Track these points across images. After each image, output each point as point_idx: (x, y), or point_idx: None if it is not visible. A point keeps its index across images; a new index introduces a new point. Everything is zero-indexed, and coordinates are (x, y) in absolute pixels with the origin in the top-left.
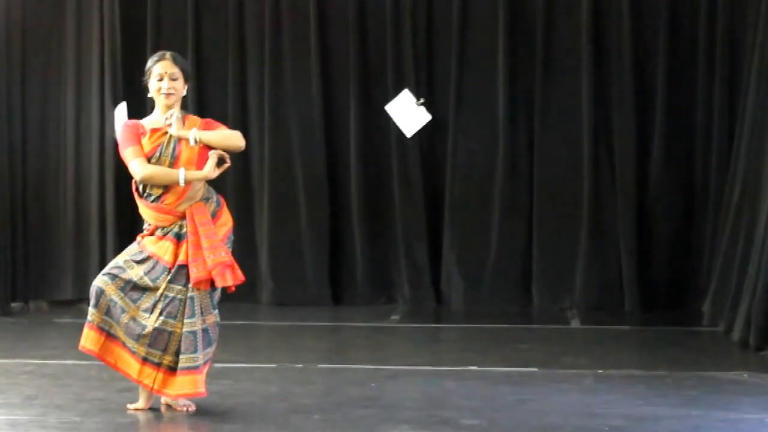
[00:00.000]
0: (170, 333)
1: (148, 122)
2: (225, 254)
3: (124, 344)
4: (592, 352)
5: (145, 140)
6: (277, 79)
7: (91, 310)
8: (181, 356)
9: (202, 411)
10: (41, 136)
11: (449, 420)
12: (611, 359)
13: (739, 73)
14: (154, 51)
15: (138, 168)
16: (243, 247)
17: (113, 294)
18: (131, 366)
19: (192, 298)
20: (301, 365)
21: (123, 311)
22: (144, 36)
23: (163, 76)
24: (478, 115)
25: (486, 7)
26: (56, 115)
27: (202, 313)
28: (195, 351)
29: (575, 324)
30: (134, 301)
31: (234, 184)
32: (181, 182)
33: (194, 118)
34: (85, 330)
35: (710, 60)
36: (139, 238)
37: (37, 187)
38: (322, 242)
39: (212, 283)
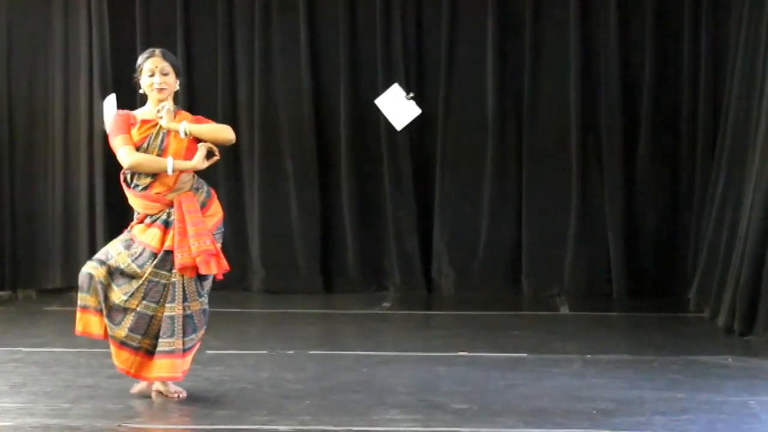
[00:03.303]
0: (151, 317)
1: (139, 113)
2: (210, 243)
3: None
4: (580, 337)
5: (134, 130)
6: (267, 73)
7: (84, 295)
8: (159, 340)
9: (194, 397)
10: (29, 126)
11: (440, 405)
12: (599, 344)
13: (724, 65)
14: (142, 43)
15: (125, 156)
16: (234, 236)
17: (102, 278)
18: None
19: (174, 284)
20: (292, 352)
21: (106, 298)
22: (133, 28)
23: (155, 72)
24: (467, 108)
25: (475, 1)
26: (44, 104)
27: (185, 299)
28: (172, 335)
29: (564, 310)
30: (119, 287)
31: (225, 173)
32: (170, 171)
33: (185, 114)
34: (84, 316)
35: (696, 52)
36: (130, 227)
37: (26, 176)
38: (313, 230)
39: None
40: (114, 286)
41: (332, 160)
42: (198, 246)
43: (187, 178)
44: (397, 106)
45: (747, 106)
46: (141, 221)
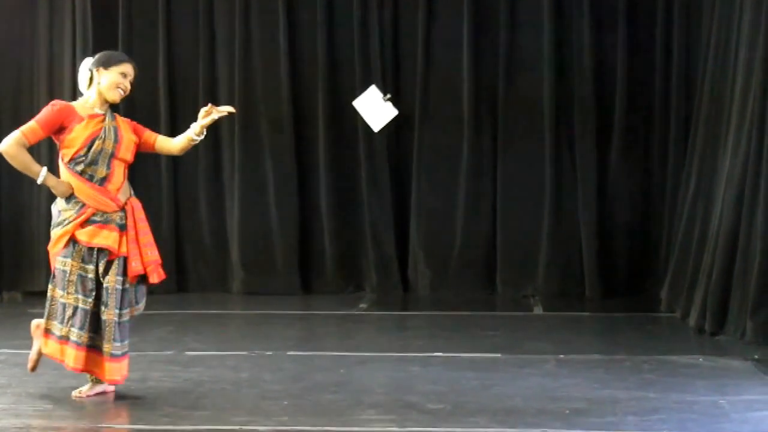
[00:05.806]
0: (105, 320)
1: (82, 108)
2: (156, 253)
3: (67, 338)
4: (553, 337)
5: (80, 126)
6: (246, 75)
7: (59, 326)
8: (113, 343)
9: (175, 398)
10: (13, 127)
11: (415, 404)
12: (572, 344)
13: (695, 68)
14: (126, 43)
15: (9, 139)
16: (214, 238)
17: (81, 303)
18: (75, 356)
19: (126, 290)
20: (271, 352)
21: (86, 315)
22: (115, 26)
23: (127, 76)
24: (443, 110)
25: (451, 3)
26: (29, 104)
27: (128, 305)
28: (124, 339)
29: (538, 311)
30: (107, 306)
31: (205, 176)
32: (39, 180)
33: (128, 120)
34: (68, 350)
35: (668, 47)
36: (67, 236)
37: (11, 178)
38: (292, 233)
39: (140, 278)
40: (103, 307)
41: (310, 161)
42: (150, 255)
43: (125, 184)
44: (375, 108)
45: (719, 104)
46: (87, 219)
